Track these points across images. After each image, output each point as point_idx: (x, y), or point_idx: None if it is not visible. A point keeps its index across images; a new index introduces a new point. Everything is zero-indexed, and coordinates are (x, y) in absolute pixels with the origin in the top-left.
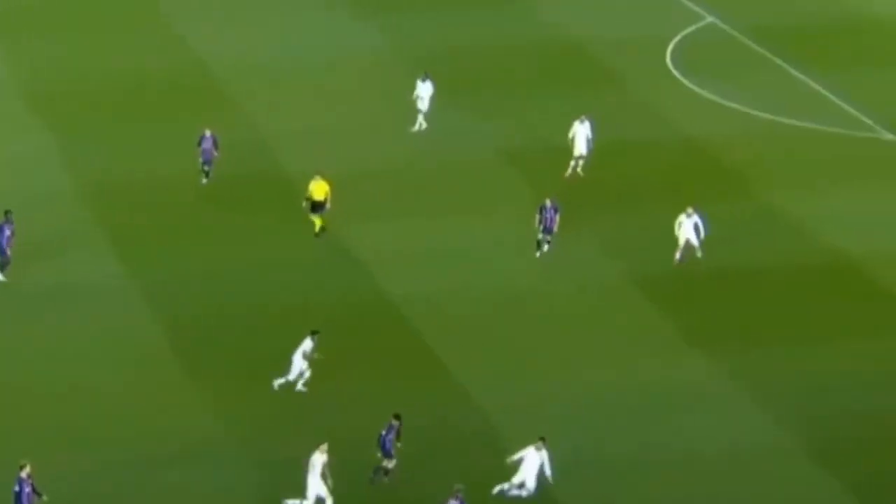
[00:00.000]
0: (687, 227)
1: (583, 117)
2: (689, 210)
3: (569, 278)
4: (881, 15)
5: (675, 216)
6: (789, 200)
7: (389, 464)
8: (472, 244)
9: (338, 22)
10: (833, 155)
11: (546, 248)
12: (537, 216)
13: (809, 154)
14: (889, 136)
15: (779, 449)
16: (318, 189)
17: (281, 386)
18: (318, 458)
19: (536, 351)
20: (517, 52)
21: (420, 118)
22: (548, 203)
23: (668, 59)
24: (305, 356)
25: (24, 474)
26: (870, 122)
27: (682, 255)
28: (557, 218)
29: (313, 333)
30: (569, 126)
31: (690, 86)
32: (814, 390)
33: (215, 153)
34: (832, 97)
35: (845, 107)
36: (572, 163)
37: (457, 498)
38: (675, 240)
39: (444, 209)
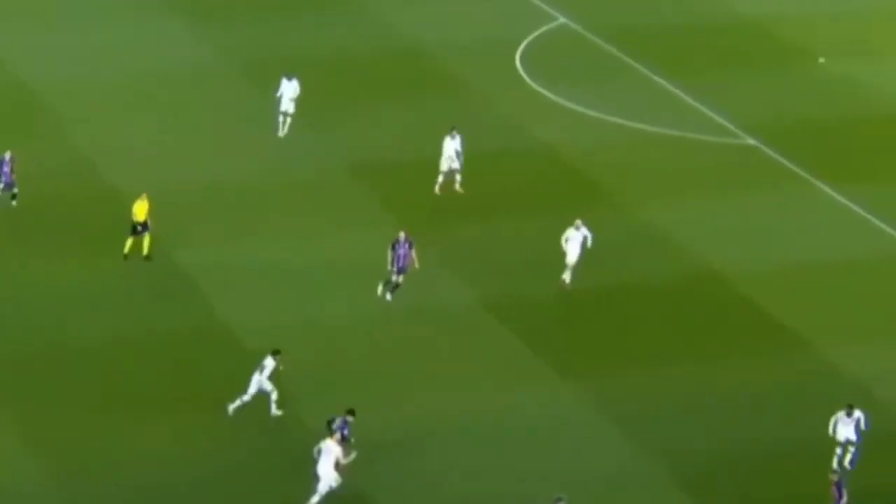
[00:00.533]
0: (575, 243)
1: (453, 132)
2: (578, 223)
3: (422, 303)
4: (742, 14)
5: (540, 231)
6: (653, 212)
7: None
8: (313, 266)
9: (170, 32)
10: (696, 163)
11: (394, 292)
12: (389, 253)
13: (671, 162)
14: (752, 142)
15: (647, 476)
16: (141, 209)
17: (237, 409)
18: (332, 446)
19: (384, 379)
20: (355, 59)
21: (281, 120)
22: (401, 237)
23: (517, 63)
24: (271, 377)
25: None
26: (732, 126)
27: (572, 276)
28: (413, 254)
29: (275, 353)
30: (412, 138)
31: (542, 91)
32: (683, 414)
33: (12, 176)
34: (692, 101)
35: (706, 111)
36: (440, 178)
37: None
38: (544, 256)
39: (286, 229)
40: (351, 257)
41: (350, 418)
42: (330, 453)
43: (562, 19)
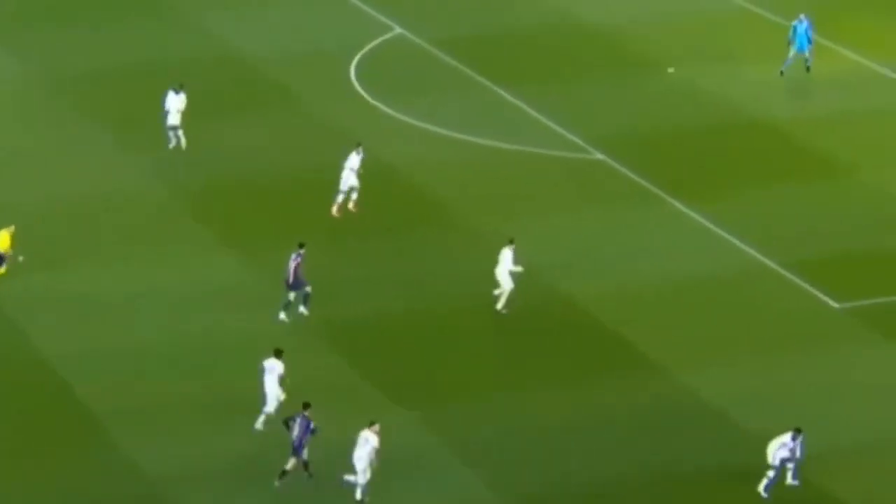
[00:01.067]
0: (506, 265)
1: (359, 148)
2: (511, 243)
3: (252, 329)
4: (589, 23)
5: (382, 252)
6: (496, 229)
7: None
8: (134, 293)
9: None
10: (542, 179)
11: (287, 312)
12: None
13: (516, 179)
14: (600, 156)
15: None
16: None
17: (265, 423)
18: (370, 437)
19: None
20: (177, 71)
21: (172, 135)
22: (294, 254)
23: (352, 76)
24: (281, 381)
25: None
26: (579, 140)
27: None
28: (296, 266)
29: (278, 353)
30: (245, 156)
31: (379, 105)
32: (524, 442)
33: None
34: (537, 114)
35: (552, 125)
36: (340, 197)
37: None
38: (381, 276)
39: (108, 252)
40: (178, 281)
41: (306, 412)
42: (368, 443)
43: (398, 29)
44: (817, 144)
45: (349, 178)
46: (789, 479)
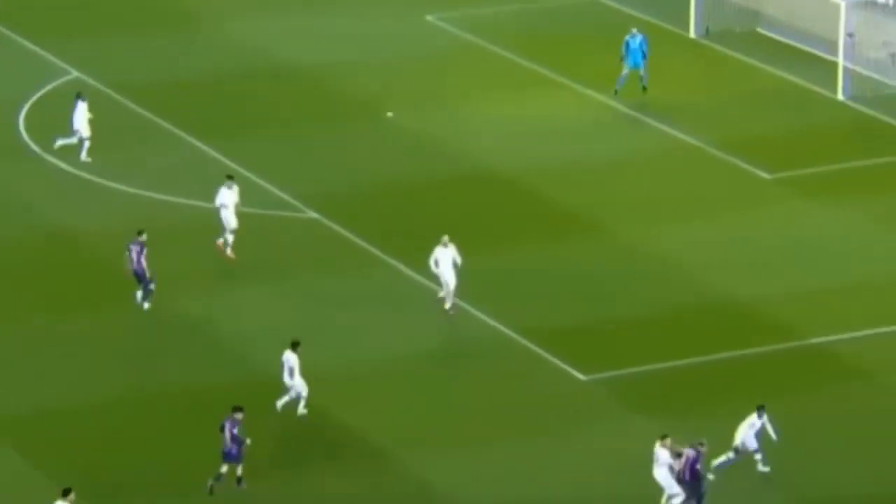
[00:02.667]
0: (446, 265)
1: (229, 182)
2: (445, 239)
3: None
4: (292, 63)
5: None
6: (202, 306)
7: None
8: None
9: None
10: (254, 243)
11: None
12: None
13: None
14: (314, 215)
15: None
16: None
17: (284, 405)
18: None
19: None
20: None
21: (78, 143)
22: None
23: (20, 127)
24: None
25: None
26: (289, 198)
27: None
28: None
29: (295, 345)
30: None
31: (53, 160)
32: None
33: None
34: (244, 171)
35: (260, 181)
36: (230, 237)
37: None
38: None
39: None
40: None
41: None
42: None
43: (75, 73)
44: (562, 198)
45: (226, 215)
46: (759, 467)
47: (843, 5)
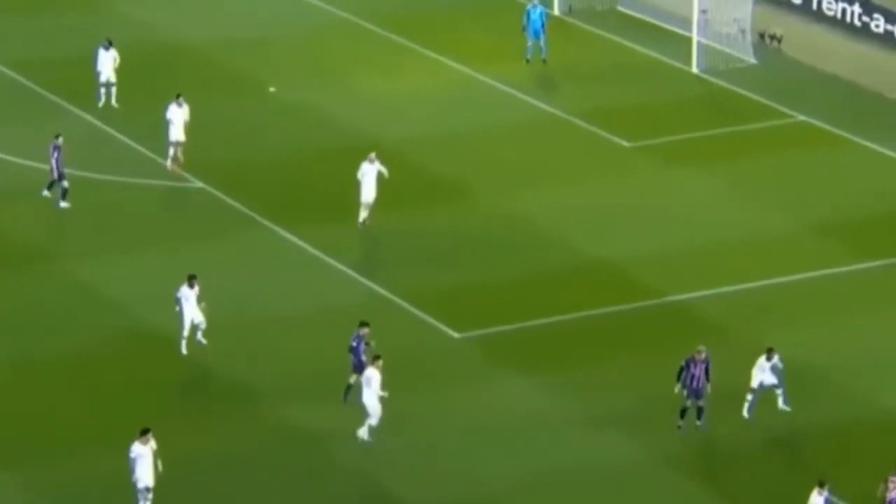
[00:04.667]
0: (370, 178)
1: (179, 100)
2: (372, 156)
3: None
4: (173, 41)
5: None
6: (91, 268)
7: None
8: None
9: None
10: (138, 210)
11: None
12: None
13: (112, 211)
14: (199, 184)
15: None
16: None
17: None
18: (374, 374)
19: None
20: None
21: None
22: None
23: None
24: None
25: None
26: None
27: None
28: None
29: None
30: None
31: None
32: None
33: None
34: (128, 140)
35: (143, 150)
36: (171, 150)
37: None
38: None
39: None
40: None
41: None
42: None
43: None
44: (433, 167)
45: (173, 131)
46: (780, 404)
47: None
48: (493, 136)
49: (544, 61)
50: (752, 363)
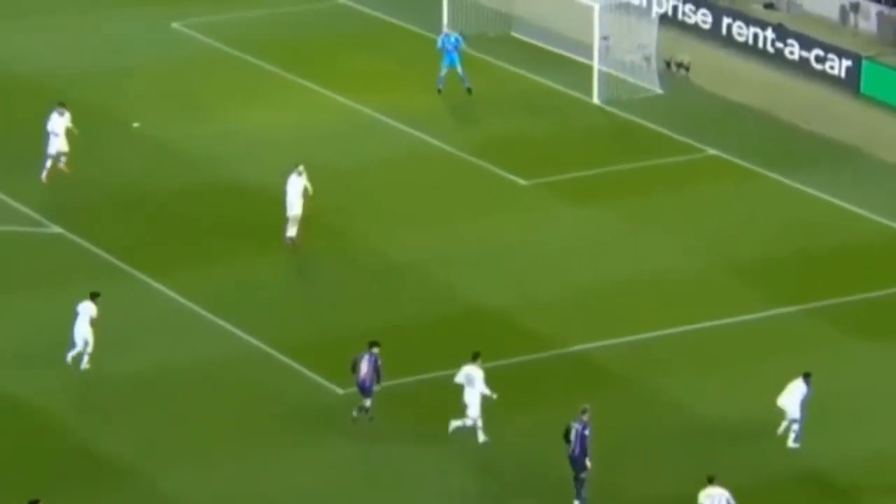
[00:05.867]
0: (295, 190)
1: (60, 108)
2: (301, 168)
3: None
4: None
5: None
6: None
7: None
8: None
9: None
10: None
11: None
12: None
13: None
14: (57, 230)
15: None
16: None
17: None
18: (476, 372)
19: None
20: None
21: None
22: None
23: None
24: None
25: None
26: (34, 213)
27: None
28: None
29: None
30: None
31: None
32: None
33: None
34: None
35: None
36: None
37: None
38: None
39: None
40: None
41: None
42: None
43: None
44: (311, 204)
45: (55, 141)
46: (789, 443)
47: (596, 8)
48: (376, 172)
49: (469, 91)
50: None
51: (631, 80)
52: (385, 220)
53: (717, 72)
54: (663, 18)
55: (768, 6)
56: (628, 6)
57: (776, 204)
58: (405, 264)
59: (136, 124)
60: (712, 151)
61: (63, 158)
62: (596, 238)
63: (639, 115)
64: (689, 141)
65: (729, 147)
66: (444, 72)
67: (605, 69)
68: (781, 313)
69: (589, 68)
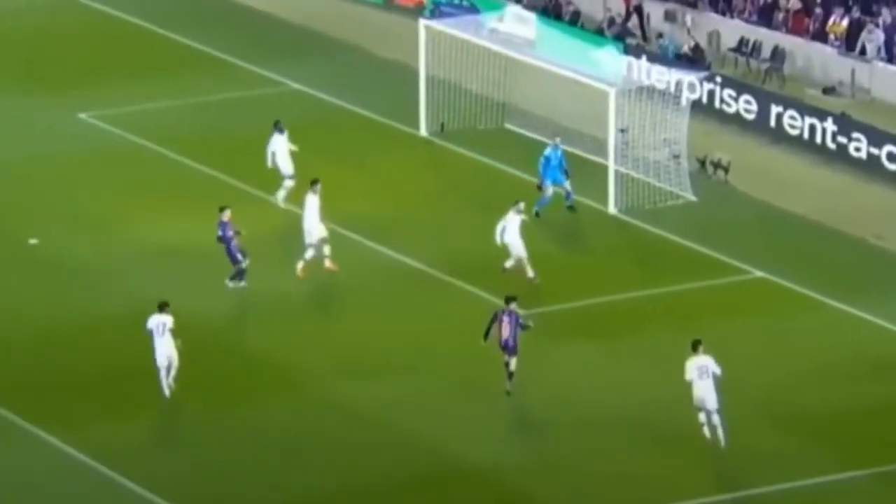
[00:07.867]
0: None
1: None
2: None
3: None
4: None
5: None
6: None
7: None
8: None
9: None
10: None
11: None
12: None
13: None
14: None
15: None
16: None
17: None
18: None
19: None
20: None
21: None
22: None
23: None
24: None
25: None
26: None
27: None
28: None
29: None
30: None
31: None
32: None
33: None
34: None
35: None
36: None
37: (509, 314)
38: None
39: None
40: None
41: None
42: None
43: None
44: (249, 346)
45: None
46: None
47: (612, 93)
48: (326, 301)
49: (573, 208)
50: None
51: (656, 183)
52: (335, 367)
53: (764, 173)
54: (696, 106)
55: (828, 91)
56: (652, 91)
57: (841, 339)
58: (362, 416)
59: (32, 241)
60: (759, 273)
61: None
62: (610, 379)
63: (666, 228)
64: (730, 260)
65: (779, 268)
66: (549, 192)
67: (623, 170)
68: (852, 477)
69: (602, 168)
